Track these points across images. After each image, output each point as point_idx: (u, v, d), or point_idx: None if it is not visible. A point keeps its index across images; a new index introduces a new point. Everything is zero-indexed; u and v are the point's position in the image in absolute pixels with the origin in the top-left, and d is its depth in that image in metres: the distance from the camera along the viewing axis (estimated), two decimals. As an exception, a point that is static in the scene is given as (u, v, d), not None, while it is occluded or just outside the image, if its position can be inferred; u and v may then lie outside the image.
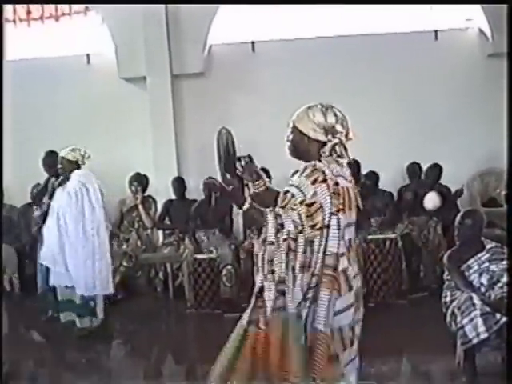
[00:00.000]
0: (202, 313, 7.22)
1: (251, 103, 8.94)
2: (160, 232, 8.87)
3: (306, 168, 3.29)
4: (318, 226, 3.17)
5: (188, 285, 7.46)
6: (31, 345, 6.63)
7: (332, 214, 3.19)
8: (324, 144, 3.32)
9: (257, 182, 3.39)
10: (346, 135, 3.35)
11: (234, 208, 8.07)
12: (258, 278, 3.28)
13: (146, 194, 8.70)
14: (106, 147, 9.20)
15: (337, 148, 3.33)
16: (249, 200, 3.30)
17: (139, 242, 8.49)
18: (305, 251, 3.19)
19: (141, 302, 7.99)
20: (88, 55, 9.39)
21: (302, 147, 3.37)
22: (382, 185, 8.13)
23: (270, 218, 3.21)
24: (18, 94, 9.16)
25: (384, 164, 8.16)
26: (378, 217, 7.79)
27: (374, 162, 7.93)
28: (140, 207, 8.51)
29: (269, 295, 3.21)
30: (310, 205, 3.17)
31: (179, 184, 8.61)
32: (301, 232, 3.18)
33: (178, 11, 8.86)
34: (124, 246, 8.35)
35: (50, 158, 7.19)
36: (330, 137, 3.31)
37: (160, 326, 7.17)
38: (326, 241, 3.21)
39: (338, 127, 3.31)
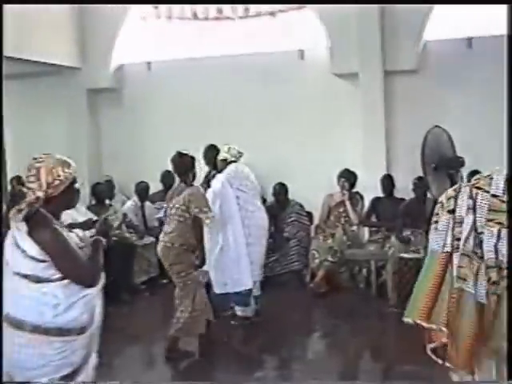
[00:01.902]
0: (404, 313, 7.09)
1: (466, 102, 8.64)
2: (366, 229, 8.84)
3: None
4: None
5: (391, 284, 7.39)
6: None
7: None
8: None
9: None
10: None
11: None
12: None
13: (354, 190, 8.70)
14: (316, 142, 9.36)
15: None
16: None
17: (345, 238, 8.51)
18: None
19: (342, 297, 8.02)
20: (301, 51, 9.57)
21: None
22: None
23: None
24: (233, 88, 9.60)
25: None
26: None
27: None
28: (347, 203, 8.54)
29: None
30: None
31: (388, 181, 8.53)
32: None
33: (393, 6, 8.75)
34: (329, 241, 8.41)
35: (209, 151, 7.47)
36: None
37: (360, 322, 7.13)
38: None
39: None
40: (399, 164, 8.99)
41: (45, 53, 9.35)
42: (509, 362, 3.69)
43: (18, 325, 3.26)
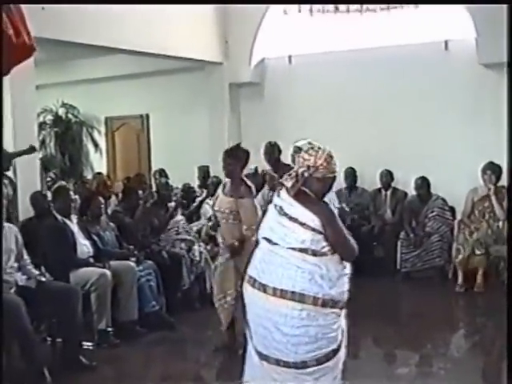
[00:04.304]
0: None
1: None
2: (512, 224, 8.53)
3: None
4: None
5: (540, 283, 7.09)
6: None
7: None
8: None
9: None
10: None
11: None
12: None
13: (500, 184, 8.40)
14: (459, 134, 9.14)
15: None
16: None
17: (490, 233, 8.25)
18: None
19: (487, 294, 7.74)
20: (446, 41, 9.34)
21: None
22: None
23: None
24: (376, 80, 9.53)
25: None
26: None
27: None
28: (492, 198, 8.25)
29: None
30: None
31: (536, 176, 8.18)
32: None
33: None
34: (473, 237, 8.18)
35: (269, 148, 7.58)
36: None
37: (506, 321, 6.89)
38: None
39: None
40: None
41: (189, 49, 9.63)
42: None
43: (300, 298, 3.50)
